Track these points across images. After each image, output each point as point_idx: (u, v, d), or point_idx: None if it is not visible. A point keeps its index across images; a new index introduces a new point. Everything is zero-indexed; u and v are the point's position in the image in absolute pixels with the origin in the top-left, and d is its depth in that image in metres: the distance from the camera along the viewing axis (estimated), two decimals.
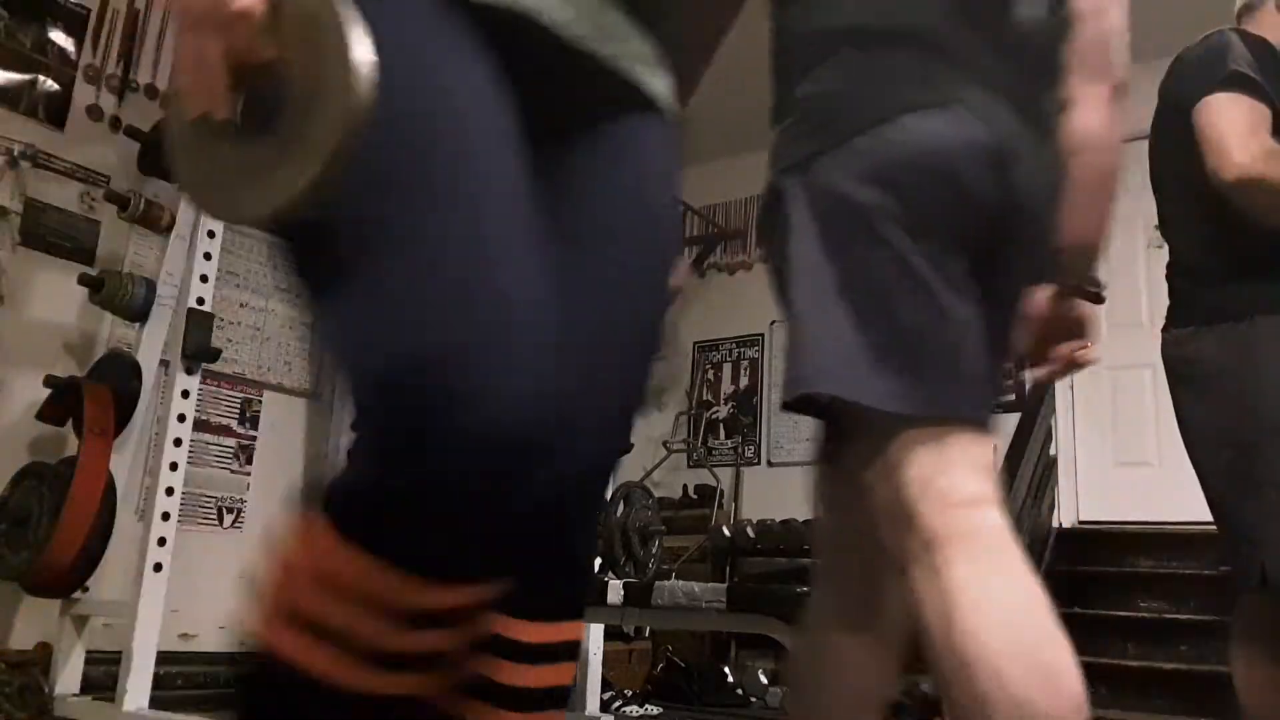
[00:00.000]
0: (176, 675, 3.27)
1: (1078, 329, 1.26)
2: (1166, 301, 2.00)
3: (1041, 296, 1.24)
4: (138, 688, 2.70)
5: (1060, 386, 4.87)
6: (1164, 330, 1.95)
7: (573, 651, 0.98)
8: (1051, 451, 4.71)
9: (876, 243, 1.03)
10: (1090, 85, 1.21)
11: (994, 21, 1.10)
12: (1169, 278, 1.98)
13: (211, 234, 3.02)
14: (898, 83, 1.08)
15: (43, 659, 2.94)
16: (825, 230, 1.06)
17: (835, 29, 1.13)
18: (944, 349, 1.04)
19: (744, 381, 5.90)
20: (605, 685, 3.46)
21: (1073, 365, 1.28)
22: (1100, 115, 1.22)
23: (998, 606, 0.95)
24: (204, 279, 2.98)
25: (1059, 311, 1.25)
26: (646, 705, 3.99)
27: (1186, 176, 1.82)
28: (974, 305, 1.07)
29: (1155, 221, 5.57)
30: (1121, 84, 1.22)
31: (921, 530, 0.99)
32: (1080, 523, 4.73)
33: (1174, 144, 1.87)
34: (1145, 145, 2.03)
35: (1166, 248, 2.01)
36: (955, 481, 1.01)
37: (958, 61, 1.08)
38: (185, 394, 2.91)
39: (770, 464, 5.65)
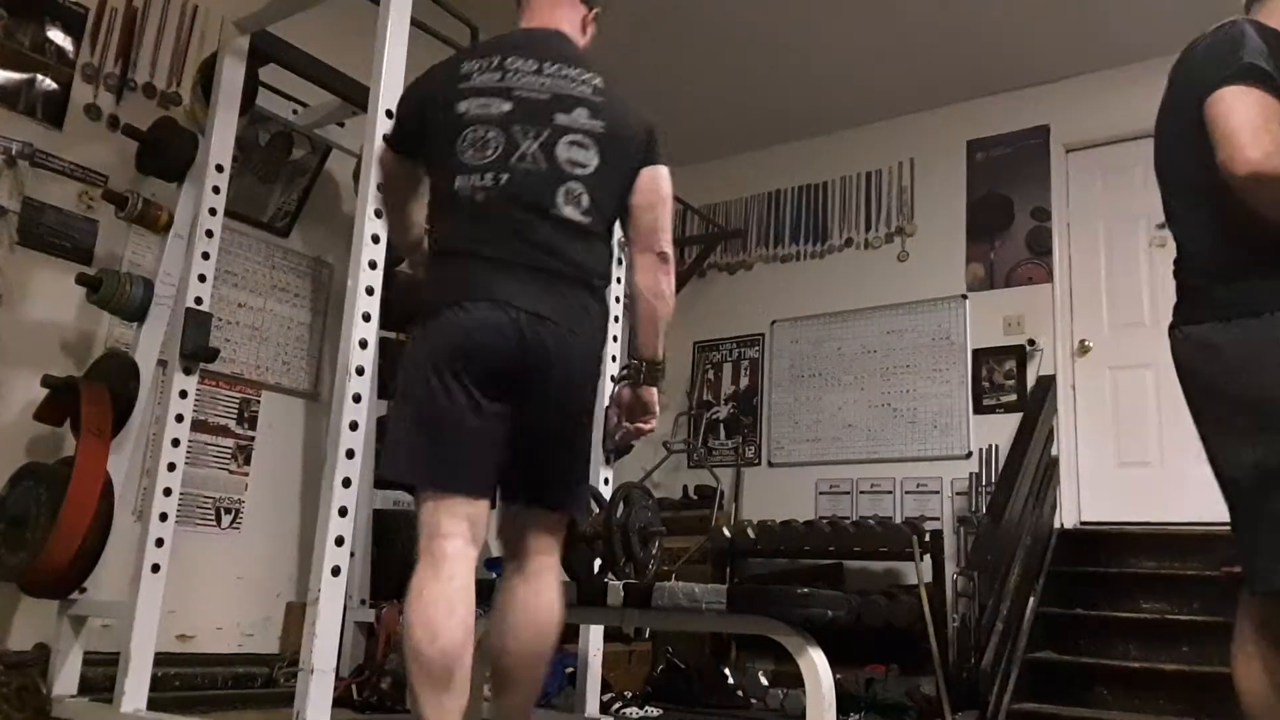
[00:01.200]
0: (174, 676, 3.26)
1: (645, 409, 2.04)
2: (1168, 301, 1.96)
3: (624, 390, 2.03)
4: (135, 689, 2.69)
5: (1062, 386, 4.86)
6: (1175, 327, 1.90)
7: None
8: (1053, 452, 4.70)
9: (421, 380, 1.82)
10: (641, 255, 1.98)
11: (534, 232, 1.86)
12: (1177, 274, 1.92)
13: (210, 233, 3.01)
14: (451, 287, 1.86)
15: (40, 660, 2.93)
16: (405, 368, 1.88)
17: (442, 247, 1.96)
18: (450, 448, 1.80)
19: (744, 381, 5.89)
20: (605, 687, 3.45)
21: (641, 432, 2.08)
22: (648, 274, 1.97)
23: (421, 593, 1.74)
24: (202, 279, 2.97)
25: (634, 398, 2.03)
26: (647, 707, 3.98)
27: (1195, 168, 1.78)
28: (488, 417, 1.81)
29: (1158, 221, 5.52)
30: (663, 252, 1.97)
31: (418, 549, 1.80)
32: (1082, 523, 4.72)
33: (1182, 134, 1.82)
34: (1149, 143, 2.00)
35: (1173, 243, 1.97)
36: (436, 523, 1.80)
37: (499, 267, 1.84)
38: (183, 394, 2.90)
39: (771, 464, 5.63)
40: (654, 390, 2.03)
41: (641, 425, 2.06)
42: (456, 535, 1.79)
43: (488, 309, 1.81)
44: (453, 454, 1.81)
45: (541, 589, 1.92)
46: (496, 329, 1.81)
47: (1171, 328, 1.91)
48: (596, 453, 3.24)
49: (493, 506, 1.92)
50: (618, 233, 2.08)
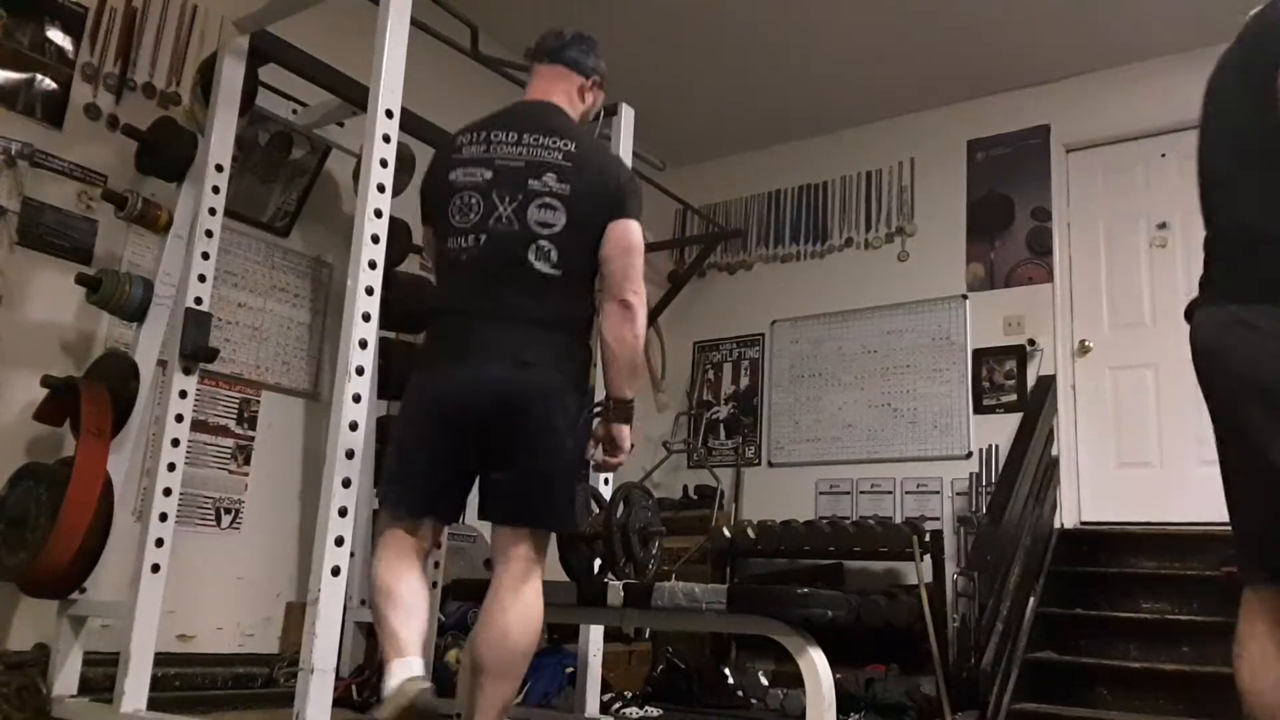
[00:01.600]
0: (174, 676, 3.26)
1: (614, 444, 2.22)
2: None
3: (599, 425, 2.22)
4: (135, 689, 2.69)
5: (1062, 387, 4.86)
6: (1204, 304, 1.75)
7: None
8: (1054, 452, 4.69)
9: (406, 421, 2.22)
10: (607, 303, 2.14)
11: (512, 286, 2.12)
12: (1212, 246, 1.78)
13: (209, 233, 3.01)
14: (441, 343, 2.19)
15: (40, 660, 2.93)
16: (399, 409, 2.28)
17: (436, 304, 2.25)
18: (409, 477, 2.17)
19: (744, 381, 5.89)
20: (605, 687, 3.45)
21: (609, 465, 2.26)
22: (611, 321, 2.13)
23: (387, 560, 2.11)
24: (202, 278, 2.97)
25: (605, 433, 2.21)
26: (646, 707, 3.98)
27: (1259, 131, 1.67)
28: (461, 455, 2.13)
29: (1158, 221, 5.53)
30: (625, 301, 2.12)
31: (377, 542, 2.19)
32: (1082, 523, 4.72)
33: (1247, 94, 1.71)
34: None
35: (1205, 220, 1.80)
36: (388, 527, 2.15)
37: (483, 320, 2.12)
38: (183, 394, 2.90)
39: (771, 464, 5.63)
40: (625, 428, 2.21)
41: (609, 459, 2.24)
42: (407, 536, 2.16)
43: (473, 365, 2.10)
44: (412, 487, 2.17)
45: (521, 593, 2.09)
46: (475, 382, 2.09)
47: (1197, 305, 1.77)
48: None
49: (453, 520, 2.27)
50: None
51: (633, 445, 2.29)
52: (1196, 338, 1.77)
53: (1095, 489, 4.76)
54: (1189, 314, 1.80)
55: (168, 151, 3.27)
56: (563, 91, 2.34)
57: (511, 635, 2.04)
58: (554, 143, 2.18)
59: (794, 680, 2.96)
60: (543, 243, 2.12)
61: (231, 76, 3.14)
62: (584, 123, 2.41)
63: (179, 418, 2.87)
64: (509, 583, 2.09)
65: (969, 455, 4.95)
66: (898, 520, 4.94)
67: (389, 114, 2.53)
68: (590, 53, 2.39)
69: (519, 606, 2.07)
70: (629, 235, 2.16)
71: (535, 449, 2.09)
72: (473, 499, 2.24)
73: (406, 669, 1.93)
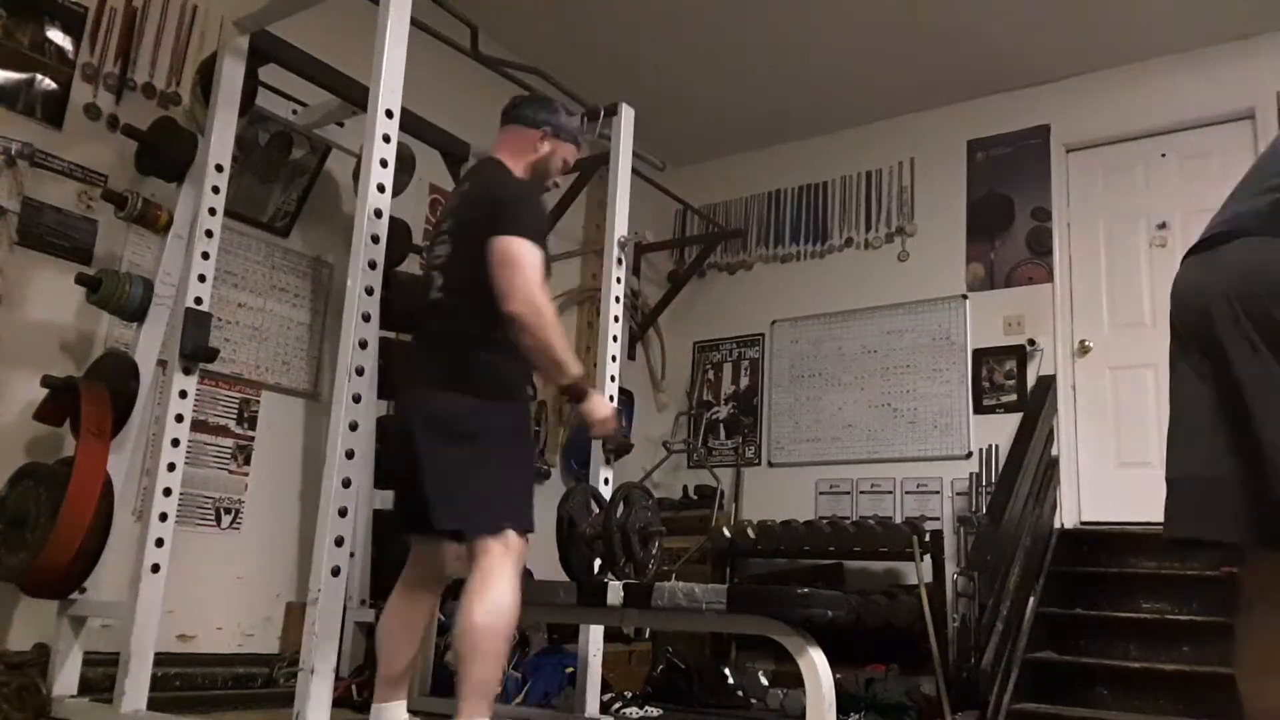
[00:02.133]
0: (174, 676, 3.26)
1: (587, 418, 2.47)
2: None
3: (575, 412, 2.57)
4: (135, 689, 2.70)
5: (1062, 387, 4.86)
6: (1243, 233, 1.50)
7: None
8: (1053, 452, 4.69)
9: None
10: (505, 317, 2.25)
11: (425, 318, 2.42)
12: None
13: (209, 233, 3.01)
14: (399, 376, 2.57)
15: (40, 660, 2.93)
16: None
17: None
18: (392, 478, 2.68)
19: (744, 381, 5.89)
20: (605, 687, 3.44)
21: (603, 434, 2.58)
22: (513, 332, 2.24)
23: (387, 606, 2.46)
24: (202, 279, 2.97)
25: (577, 413, 2.49)
26: (646, 707, 3.97)
27: None
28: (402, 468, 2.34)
29: (1158, 221, 5.53)
30: (509, 314, 2.21)
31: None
32: (1082, 523, 4.72)
33: None
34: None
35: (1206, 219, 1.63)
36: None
37: (414, 351, 2.51)
38: (183, 394, 2.90)
39: (771, 464, 5.63)
40: (588, 404, 2.41)
41: (595, 432, 2.54)
42: (416, 565, 2.45)
43: (401, 393, 2.45)
44: (398, 504, 2.50)
45: (482, 591, 2.21)
46: (399, 409, 2.44)
47: (1230, 234, 1.52)
48: (596, 453, 3.26)
49: (420, 532, 2.38)
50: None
51: (623, 424, 2.60)
52: (1231, 266, 1.52)
53: (1095, 489, 4.76)
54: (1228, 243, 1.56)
55: (168, 151, 3.27)
56: (511, 145, 2.51)
57: (476, 625, 2.16)
58: (462, 188, 2.51)
59: (794, 680, 2.96)
60: (435, 274, 2.40)
61: (231, 76, 3.14)
62: (537, 169, 2.51)
63: (179, 418, 2.88)
64: (471, 580, 2.23)
65: (969, 455, 4.95)
66: (898, 520, 4.94)
67: (389, 114, 2.53)
68: (542, 110, 2.57)
69: (482, 601, 2.19)
70: (498, 250, 2.25)
71: (423, 464, 2.23)
72: None
73: (377, 714, 2.38)
